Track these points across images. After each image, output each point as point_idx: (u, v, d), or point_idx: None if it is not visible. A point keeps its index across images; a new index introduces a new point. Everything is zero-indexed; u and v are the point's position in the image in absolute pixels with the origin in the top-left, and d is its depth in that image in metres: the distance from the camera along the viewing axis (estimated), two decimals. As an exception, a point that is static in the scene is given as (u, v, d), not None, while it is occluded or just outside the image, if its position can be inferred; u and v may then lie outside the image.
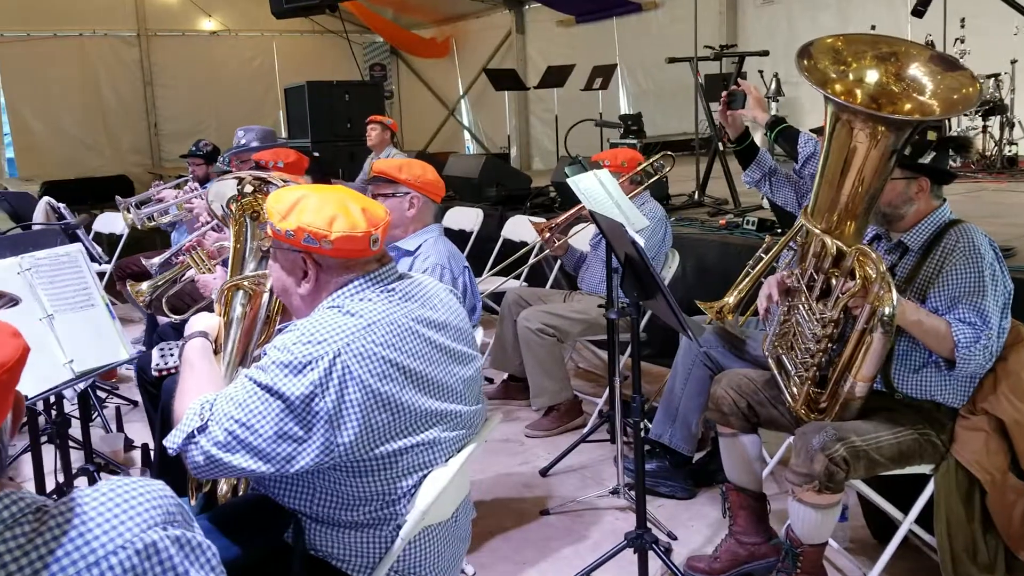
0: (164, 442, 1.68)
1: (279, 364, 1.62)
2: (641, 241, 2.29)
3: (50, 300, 2.09)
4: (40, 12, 10.07)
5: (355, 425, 1.61)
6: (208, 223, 3.92)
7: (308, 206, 1.74)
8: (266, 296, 2.04)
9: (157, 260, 3.79)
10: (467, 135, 11.52)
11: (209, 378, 1.84)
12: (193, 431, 1.63)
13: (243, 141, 4.46)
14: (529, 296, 4.04)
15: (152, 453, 3.53)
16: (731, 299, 2.81)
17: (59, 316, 2.09)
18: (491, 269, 4.80)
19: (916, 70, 2.29)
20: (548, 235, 3.81)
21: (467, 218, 5.46)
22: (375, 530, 1.73)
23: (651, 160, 3.81)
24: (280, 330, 1.90)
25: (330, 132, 8.08)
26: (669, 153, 3.87)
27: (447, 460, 1.77)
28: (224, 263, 3.60)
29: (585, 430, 3.64)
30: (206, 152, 5.47)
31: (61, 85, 10.34)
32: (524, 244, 4.73)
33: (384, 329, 1.69)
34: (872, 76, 2.32)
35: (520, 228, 4.93)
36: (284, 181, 2.10)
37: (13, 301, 1.33)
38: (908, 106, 2.25)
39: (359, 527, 1.73)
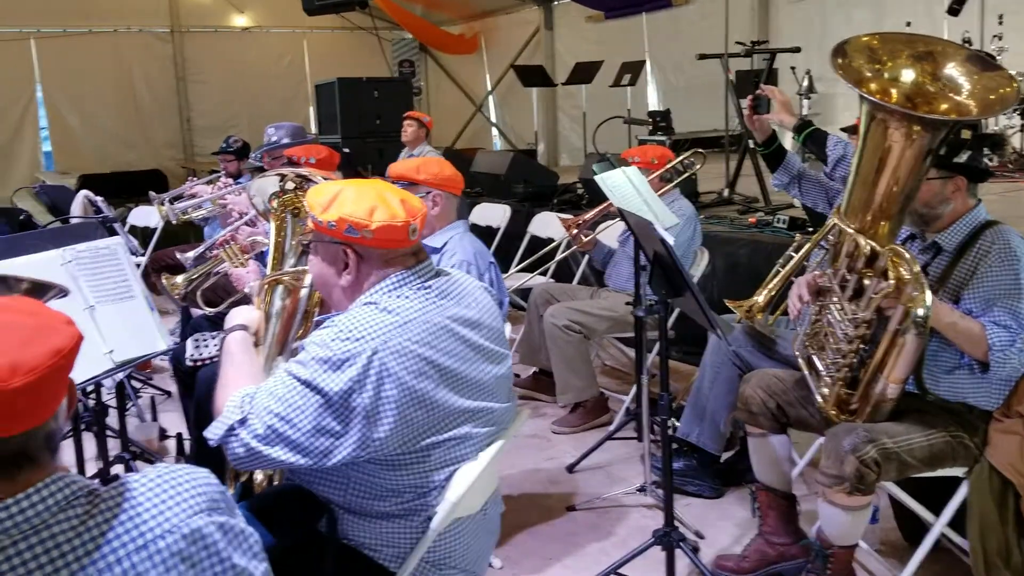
0: (205, 433, 1.72)
1: (318, 360, 1.65)
2: (670, 239, 2.29)
3: (91, 291, 2.14)
4: (76, 8, 10.22)
5: (391, 421, 1.64)
6: (241, 219, 3.98)
7: (348, 198, 1.78)
8: (305, 291, 2.07)
9: (192, 254, 3.84)
10: (494, 131, 11.53)
11: (249, 370, 1.87)
12: (233, 424, 1.66)
13: (274, 138, 4.50)
14: (556, 292, 4.05)
15: (187, 443, 3.59)
16: (761, 298, 2.81)
17: (100, 307, 2.14)
18: (518, 265, 4.82)
19: (953, 70, 2.27)
20: (576, 232, 3.81)
21: (494, 214, 5.48)
22: (407, 521, 1.76)
23: (681, 157, 3.80)
24: (319, 324, 1.93)
25: (360, 128, 8.13)
26: (700, 151, 3.86)
27: (478, 455, 1.80)
28: (257, 257, 3.65)
29: (612, 427, 3.64)
30: (236, 148, 5.54)
31: (96, 80, 10.48)
32: (551, 240, 4.74)
33: (420, 327, 1.72)
34: (908, 75, 2.30)
35: (547, 224, 4.94)
36: (325, 178, 2.13)
37: (62, 292, 1.37)
38: (944, 106, 2.23)
39: (391, 518, 1.76)
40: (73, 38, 10.38)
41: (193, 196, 5.19)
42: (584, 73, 7.87)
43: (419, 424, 1.69)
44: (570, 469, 3.44)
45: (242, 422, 1.66)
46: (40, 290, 1.34)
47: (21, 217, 5.42)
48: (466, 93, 11.92)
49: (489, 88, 11.52)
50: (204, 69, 11.20)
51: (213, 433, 1.69)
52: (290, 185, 2.15)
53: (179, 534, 1.13)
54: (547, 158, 10.23)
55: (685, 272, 2.30)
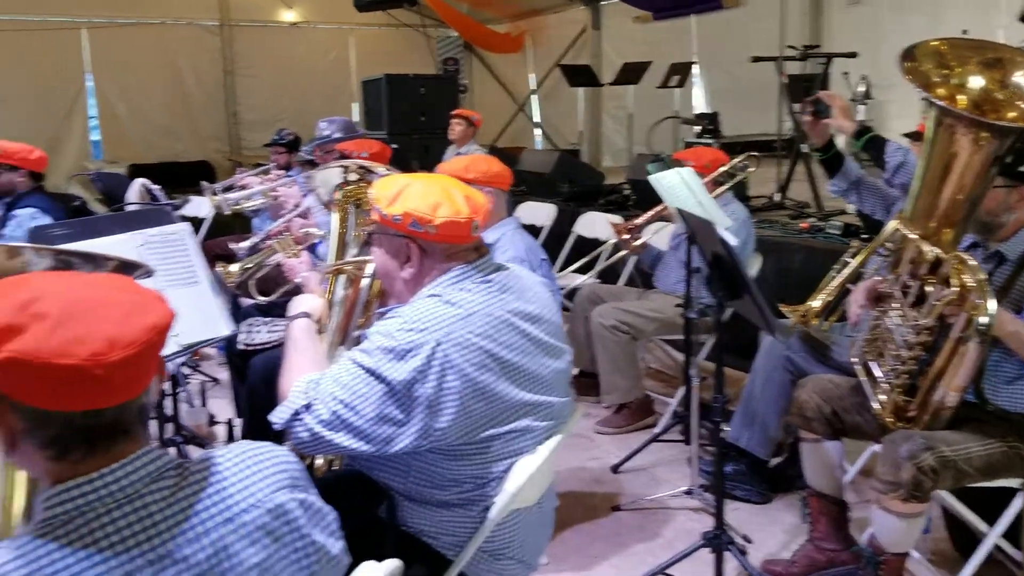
0: (270, 417, 1.75)
1: (383, 349, 1.68)
2: (733, 240, 2.29)
3: (160, 275, 2.19)
4: (127, 0, 10.37)
5: (452, 412, 1.66)
6: (294, 210, 4.03)
7: (414, 192, 1.80)
8: (366, 281, 2.10)
9: (246, 244, 3.90)
10: (536, 131, 11.54)
11: (313, 356, 1.90)
12: (299, 409, 1.70)
13: (326, 132, 4.55)
14: (603, 292, 4.05)
15: (236, 428, 3.64)
16: (816, 303, 2.79)
17: (168, 291, 2.18)
18: (563, 265, 4.82)
19: (1021, 77, 2.24)
20: (628, 236, 3.81)
21: (540, 213, 5.49)
22: (465, 510, 1.78)
23: (735, 161, 3.78)
24: (381, 313, 1.96)
25: (406, 125, 8.18)
26: (755, 154, 3.84)
27: (536, 448, 1.81)
28: (310, 249, 3.71)
29: (657, 429, 3.64)
30: (288, 141, 5.61)
31: (145, 71, 10.62)
32: (597, 240, 4.74)
33: (482, 320, 1.74)
34: (976, 81, 2.27)
35: (594, 225, 4.94)
36: (388, 170, 2.16)
37: (148, 272, 1.40)
38: (1012, 113, 2.20)
39: (450, 507, 1.78)
40: (123, 29, 10.51)
41: (243, 187, 5.27)
42: (632, 73, 7.84)
43: (480, 416, 1.71)
44: (614, 469, 3.44)
45: (307, 407, 1.69)
46: (128, 269, 1.38)
47: (76, 203, 5.54)
48: (509, 92, 11.94)
49: (533, 87, 11.52)
50: (252, 63, 11.30)
51: (279, 417, 1.72)
52: (353, 176, 2.19)
53: (263, 509, 1.16)
54: (589, 158, 10.20)
55: (746, 274, 2.29)
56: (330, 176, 2.16)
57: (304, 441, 1.70)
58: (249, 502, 1.16)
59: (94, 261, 1.37)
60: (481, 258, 1.86)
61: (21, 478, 1.32)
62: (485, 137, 11.05)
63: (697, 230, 2.66)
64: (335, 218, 2.17)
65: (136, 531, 1.07)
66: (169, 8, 10.72)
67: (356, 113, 11.30)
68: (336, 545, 1.25)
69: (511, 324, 1.79)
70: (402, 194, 1.80)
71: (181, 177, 8.99)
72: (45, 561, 1.02)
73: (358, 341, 2.01)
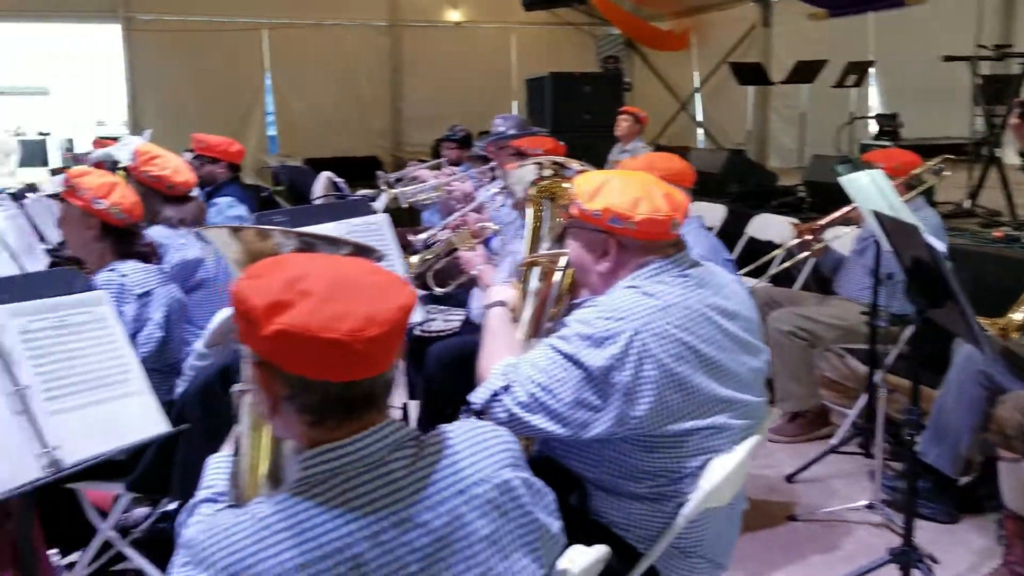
0: (469, 397, 1.82)
1: (581, 336, 1.72)
2: (941, 246, 2.18)
3: (365, 262, 2.31)
4: (305, 2, 10.91)
5: (649, 401, 1.68)
6: (469, 205, 4.16)
7: (614, 188, 1.83)
8: (559, 274, 2.14)
9: (423, 236, 4.05)
10: (699, 130, 11.33)
11: (509, 343, 1.97)
12: (498, 390, 1.76)
13: (500, 128, 4.65)
14: (779, 296, 3.94)
15: (411, 412, 3.79)
16: (1017, 316, 2.62)
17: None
18: (736, 267, 4.71)
19: None
20: (810, 237, 3.69)
21: (710, 214, 5.37)
22: (658, 504, 1.79)
23: (929, 164, 3.59)
24: (575, 305, 2.00)
25: (569, 123, 8.23)
26: (951, 157, 3.63)
27: (733, 447, 1.80)
28: (485, 243, 3.81)
29: (834, 440, 3.51)
30: (460, 137, 5.78)
31: (320, 70, 11.13)
32: (770, 243, 4.61)
33: (680, 312, 1.75)
34: None
35: (768, 227, 4.81)
36: (582, 166, 2.19)
37: (380, 257, 1.49)
38: None
39: (642, 500, 1.79)
40: (301, 30, 11.08)
41: (415, 179, 5.47)
42: (806, 72, 7.58)
43: (676, 407, 1.71)
44: (789, 479, 3.34)
45: (506, 389, 1.75)
46: (363, 253, 1.46)
47: (264, 194, 5.93)
48: (671, 90, 11.78)
49: (697, 85, 11.33)
50: (417, 62, 11.65)
51: (478, 398, 1.79)
52: (547, 172, 2.24)
53: (491, 484, 1.22)
54: (756, 159, 9.94)
55: (952, 281, 2.18)
56: (525, 173, 2.22)
57: (501, 422, 1.75)
58: (479, 476, 1.22)
59: (335, 244, 1.46)
60: (678, 253, 1.87)
61: (266, 445, 1.44)
62: (646, 136, 10.96)
63: (894, 234, 2.54)
64: (529, 213, 2.23)
65: (383, 494, 1.14)
66: (343, 9, 11.22)
67: (515, 111, 11.47)
68: (555, 524, 1.29)
69: (709, 318, 1.78)
70: (602, 190, 1.83)
71: (352, 171, 9.40)
72: (303, 516, 1.11)
73: (549, 334, 2.06)
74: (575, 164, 2.21)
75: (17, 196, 3.95)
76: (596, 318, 1.73)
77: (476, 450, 1.24)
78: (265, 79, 11.18)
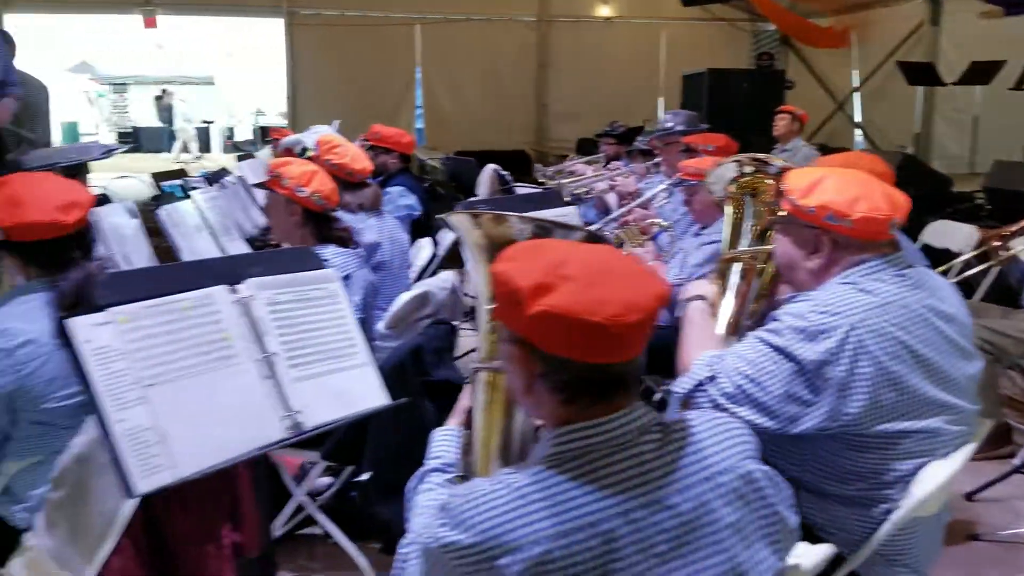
0: (672, 387, 1.85)
1: (794, 329, 1.71)
2: None
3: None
4: (457, -3, 11.17)
5: (863, 398, 1.66)
6: (635, 200, 4.17)
7: (830, 186, 1.81)
8: (759, 271, 2.13)
9: (590, 229, 4.10)
10: (857, 131, 10.89)
11: (711, 337, 1.98)
12: (703, 380, 1.77)
13: (668, 124, 4.64)
14: (960, 307, 3.76)
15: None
16: None
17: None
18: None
19: None
20: (998, 244, 3.51)
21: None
22: (863, 509, 1.77)
23: None
24: (779, 302, 1.99)
25: (725, 120, 8.06)
26: None
27: (945, 454, 1.75)
28: (653, 239, 3.82)
29: (1017, 461, 3.33)
30: (620, 133, 5.80)
31: (468, 65, 11.36)
32: (947, 251, 4.40)
33: (898, 311, 1.73)
34: None
35: (946, 233, 4.57)
36: (784, 162, 2.18)
37: (611, 244, 1.53)
38: None
39: (847, 502, 1.78)
40: (452, 25, 11.32)
41: (572, 173, 5.53)
42: (981, 73, 7.17)
43: (890, 406, 1.69)
44: (969, 497, 3.20)
45: (711, 379, 1.76)
46: (594, 240, 1.51)
47: (426, 184, 6.12)
48: (827, 89, 11.37)
49: (856, 84, 10.89)
50: (563, 57, 11.70)
51: (682, 387, 1.81)
52: (748, 169, 2.23)
53: (736, 473, 1.24)
54: (921, 163, 9.49)
55: None
56: (725, 171, 2.23)
57: (705, 412, 1.78)
58: (724, 465, 1.24)
59: (569, 230, 1.52)
60: (894, 253, 1.83)
61: (498, 421, 1.51)
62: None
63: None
64: (728, 210, 2.23)
65: (633, 475, 1.19)
66: (493, 5, 11.37)
67: (662, 108, 11.37)
68: (793, 519, 1.30)
69: (926, 320, 1.75)
70: (818, 186, 1.82)
71: (502, 165, 9.55)
72: (557, 489, 1.16)
73: (748, 330, 2.05)
74: (778, 161, 2.19)
75: (212, 180, 4.24)
76: (810, 312, 1.72)
77: (719, 439, 1.27)
78: (416, 73, 11.48)
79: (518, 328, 1.22)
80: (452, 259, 3.63)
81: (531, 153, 11.22)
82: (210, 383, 1.57)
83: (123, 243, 2.79)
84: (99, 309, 1.47)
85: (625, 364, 1.21)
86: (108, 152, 3.98)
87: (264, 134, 13.55)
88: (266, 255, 2.13)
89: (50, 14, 12.32)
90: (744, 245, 2.19)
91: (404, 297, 3.05)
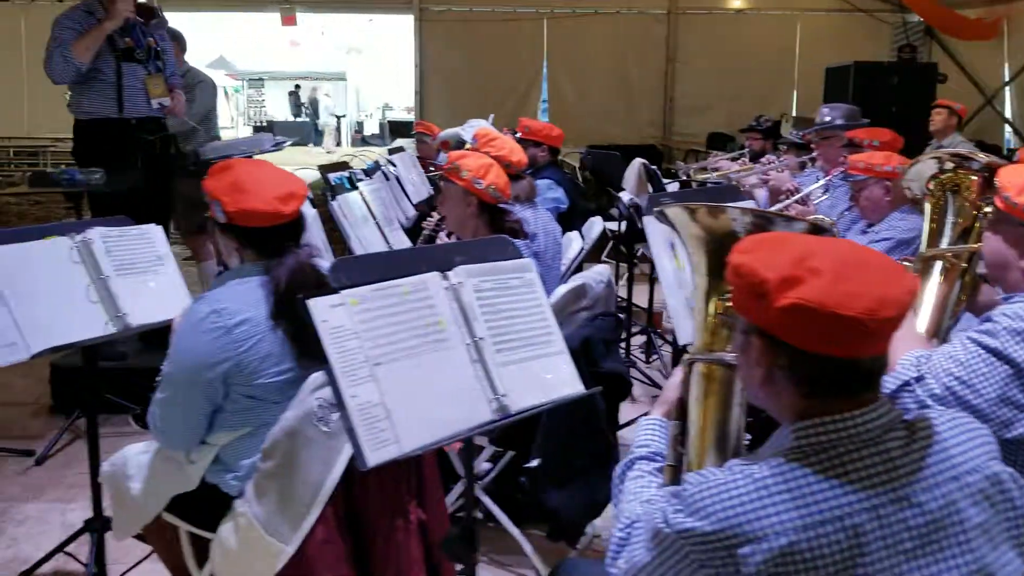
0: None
1: (1011, 331, 1.66)
2: None
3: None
4: (585, -9, 11.13)
5: None
6: (792, 195, 4.08)
7: None
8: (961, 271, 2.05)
9: (814, 221, 4.03)
10: (1007, 127, 10.28)
11: (914, 335, 1.93)
12: (910, 380, 1.73)
13: (827, 118, 4.52)
14: None
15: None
16: None
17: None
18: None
19: None
20: None
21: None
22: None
23: None
24: (990, 303, 1.92)
25: (873, 114, 7.75)
26: None
27: None
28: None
29: None
30: (766, 127, 5.68)
31: (594, 59, 11.29)
32: None
33: None
34: None
35: None
36: (987, 157, 2.09)
37: (830, 233, 1.51)
38: None
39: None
40: (580, 18, 11.30)
41: (716, 170, 5.45)
42: None
43: None
44: None
45: (918, 379, 1.72)
46: (818, 231, 1.49)
47: (568, 175, 6.16)
48: (975, 83, 10.79)
49: (1007, 79, 10.29)
50: (692, 51, 11.48)
51: (885, 386, 1.77)
52: (949, 165, 2.16)
53: (983, 474, 1.22)
54: (1073, 162, 8.89)
55: None
56: (924, 168, 2.16)
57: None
58: (970, 465, 1.22)
59: (790, 221, 1.51)
60: None
61: (713, 413, 1.52)
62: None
63: None
64: (927, 208, 2.17)
65: (880, 471, 1.17)
66: (622, -2, 11.30)
67: (795, 101, 11.04)
68: None
69: None
70: (1036, 183, 1.74)
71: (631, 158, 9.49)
72: (801, 482, 1.16)
73: (949, 331, 1.99)
74: (982, 156, 2.11)
75: (369, 171, 4.40)
76: None
77: (964, 439, 1.24)
78: (543, 67, 11.51)
79: (760, 320, 1.22)
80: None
81: (660, 147, 11.11)
82: (428, 364, 1.64)
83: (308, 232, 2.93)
84: (333, 291, 1.55)
85: (873, 359, 1.20)
86: (278, 145, 4.19)
87: (391, 128, 13.90)
88: (469, 244, 2.19)
89: (195, 12, 12.98)
90: (944, 244, 2.12)
91: (562, 290, 3.08)
